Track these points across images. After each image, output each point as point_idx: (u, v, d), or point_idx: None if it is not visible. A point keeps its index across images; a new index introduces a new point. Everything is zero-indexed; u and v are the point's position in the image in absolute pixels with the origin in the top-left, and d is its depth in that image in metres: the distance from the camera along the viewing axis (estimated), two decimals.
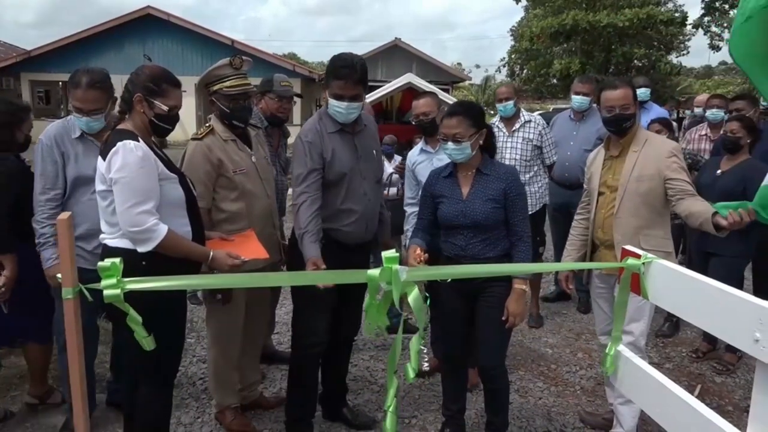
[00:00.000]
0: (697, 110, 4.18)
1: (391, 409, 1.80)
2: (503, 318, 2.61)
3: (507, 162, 4.41)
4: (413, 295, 1.73)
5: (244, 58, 2.88)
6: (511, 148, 4.44)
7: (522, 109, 4.62)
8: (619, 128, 2.83)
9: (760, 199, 2.25)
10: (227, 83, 2.83)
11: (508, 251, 2.71)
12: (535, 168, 4.48)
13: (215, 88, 2.86)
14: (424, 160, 3.55)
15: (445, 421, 3.00)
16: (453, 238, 2.72)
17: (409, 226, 3.72)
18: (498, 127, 4.54)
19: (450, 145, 2.64)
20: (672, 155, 2.71)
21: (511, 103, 4.46)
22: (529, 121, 4.46)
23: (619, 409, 2.89)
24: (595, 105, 4.83)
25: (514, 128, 4.44)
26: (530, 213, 4.45)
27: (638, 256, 1.64)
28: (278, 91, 3.54)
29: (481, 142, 2.70)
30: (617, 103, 2.78)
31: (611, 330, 2.94)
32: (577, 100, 4.70)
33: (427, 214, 2.84)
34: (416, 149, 3.69)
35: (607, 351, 1.87)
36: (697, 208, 2.52)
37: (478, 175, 2.71)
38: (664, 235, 2.79)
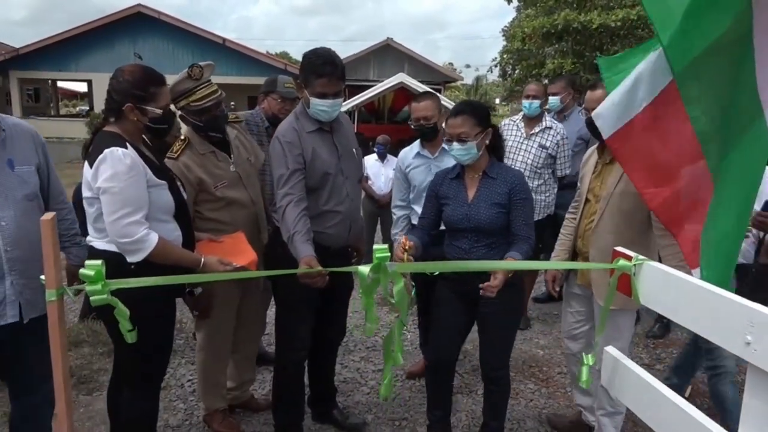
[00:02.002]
0: None
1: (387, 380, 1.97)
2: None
3: (518, 165, 4.27)
4: (398, 287, 1.82)
5: (202, 65, 2.74)
6: (525, 152, 4.32)
7: (546, 115, 4.50)
8: (594, 132, 2.69)
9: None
10: (193, 97, 2.71)
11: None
12: (545, 177, 4.35)
13: (182, 104, 2.74)
14: (420, 165, 3.38)
15: (429, 425, 2.94)
16: (457, 242, 2.66)
17: (397, 230, 3.56)
18: (517, 126, 4.44)
19: (455, 145, 2.57)
20: None
21: (538, 102, 4.33)
22: (550, 127, 4.33)
23: (601, 421, 2.85)
24: (577, 105, 4.87)
25: (533, 131, 4.33)
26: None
27: (629, 258, 1.63)
28: (282, 92, 3.51)
29: (487, 142, 2.63)
30: (591, 105, 2.67)
31: (579, 334, 2.94)
32: (550, 101, 4.77)
33: (429, 213, 2.78)
34: (411, 151, 3.44)
35: (584, 362, 1.80)
36: (675, 261, 2.39)
37: (484, 178, 2.64)
38: (644, 253, 2.64)
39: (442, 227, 2.82)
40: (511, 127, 4.48)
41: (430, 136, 3.31)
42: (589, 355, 1.79)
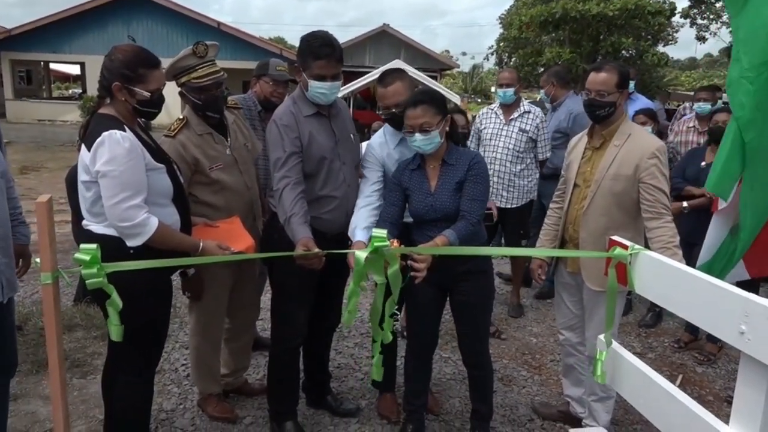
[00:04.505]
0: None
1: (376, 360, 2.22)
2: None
3: (500, 151, 4.36)
4: (393, 269, 1.88)
5: (208, 43, 2.73)
6: (505, 137, 4.38)
7: (523, 99, 4.57)
8: (593, 115, 2.69)
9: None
10: (194, 74, 2.69)
11: (485, 241, 2.65)
12: (528, 161, 4.41)
13: (183, 80, 2.72)
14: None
15: (406, 416, 2.91)
16: (428, 231, 2.59)
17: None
18: (496, 113, 4.50)
19: (418, 136, 2.51)
20: (654, 157, 2.53)
21: (512, 90, 4.39)
22: (529, 111, 4.39)
23: (592, 406, 2.87)
24: (573, 93, 4.89)
25: (511, 117, 4.39)
26: (516, 207, 4.45)
27: (625, 246, 1.63)
28: (273, 75, 3.49)
29: (447, 129, 2.60)
30: (593, 87, 2.64)
31: (576, 324, 2.95)
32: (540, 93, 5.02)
33: (395, 200, 2.67)
34: (387, 143, 2.86)
35: (597, 357, 1.79)
36: (659, 244, 2.47)
37: (444, 166, 2.61)
38: (633, 237, 2.59)
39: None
40: (490, 115, 4.56)
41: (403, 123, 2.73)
42: (604, 351, 1.77)
